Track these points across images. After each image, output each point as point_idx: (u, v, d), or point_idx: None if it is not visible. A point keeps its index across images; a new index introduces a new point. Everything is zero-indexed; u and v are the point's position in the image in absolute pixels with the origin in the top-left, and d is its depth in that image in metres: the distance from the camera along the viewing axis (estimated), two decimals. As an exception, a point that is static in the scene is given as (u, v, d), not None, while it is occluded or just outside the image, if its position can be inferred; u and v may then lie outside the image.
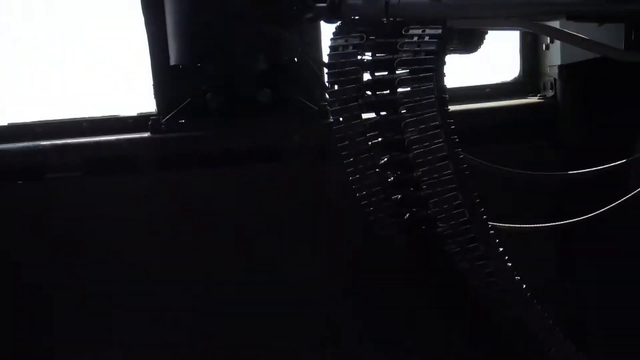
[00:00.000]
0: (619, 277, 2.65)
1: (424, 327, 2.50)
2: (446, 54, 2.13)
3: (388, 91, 2.15)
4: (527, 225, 2.39)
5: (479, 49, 2.35)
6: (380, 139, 2.18)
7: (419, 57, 2.06)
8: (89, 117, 2.74)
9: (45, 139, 2.62)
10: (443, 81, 2.10)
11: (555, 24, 2.14)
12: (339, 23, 2.18)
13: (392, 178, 2.19)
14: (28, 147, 2.58)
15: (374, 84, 2.17)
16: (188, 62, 2.54)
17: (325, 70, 2.22)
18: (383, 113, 2.16)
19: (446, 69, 2.14)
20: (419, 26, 2.06)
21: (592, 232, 2.58)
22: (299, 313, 2.58)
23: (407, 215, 2.17)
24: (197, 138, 2.57)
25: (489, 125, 2.64)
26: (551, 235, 2.63)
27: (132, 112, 2.77)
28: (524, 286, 2.13)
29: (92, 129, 2.68)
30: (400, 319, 2.55)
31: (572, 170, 2.44)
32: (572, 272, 2.65)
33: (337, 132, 2.18)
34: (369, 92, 2.18)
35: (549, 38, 2.69)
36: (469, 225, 2.02)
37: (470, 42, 2.30)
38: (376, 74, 2.17)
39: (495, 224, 2.20)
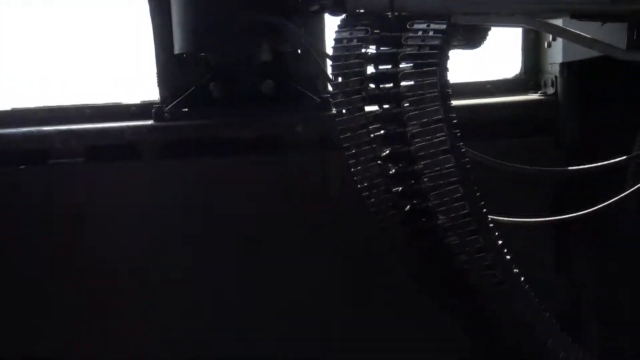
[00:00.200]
0: (615, 272, 2.68)
1: (423, 320, 2.53)
2: (450, 49, 2.17)
3: (391, 84, 2.18)
4: (525, 219, 2.42)
5: (482, 45, 2.38)
6: (382, 132, 2.21)
7: (423, 52, 2.09)
8: (92, 104, 2.75)
9: (48, 124, 2.64)
10: (446, 76, 2.12)
11: (559, 22, 2.17)
12: (343, 16, 2.20)
13: (393, 170, 2.22)
14: (31, 132, 2.60)
15: (378, 77, 2.19)
16: (192, 51, 2.56)
17: (329, 62, 2.27)
18: (386, 106, 2.20)
19: (449, 64, 2.20)
20: (423, 21, 2.08)
21: (589, 228, 2.62)
22: (299, 301, 2.60)
23: (408, 207, 2.21)
24: (200, 127, 2.59)
25: (490, 120, 2.66)
26: (549, 230, 2.66)
27: (135, 100, 2.81)
28: (522, 279, 2.16)
29: (95, 116, 2.70)
30: (400, 311, 2.57)
31: (571, 167, 2.48)
32: (568, 267, 2.68)
33: (339, 123, 2.21)
34: (372, 85, 2.22)
35: (551, 36, 2.71)
36: (469, 218, 2.04)
37: (473, 38, 2.33)
38: (380, 67, 2.21)
39: (495, 217, 2.24)
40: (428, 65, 2.07)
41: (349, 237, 2.59)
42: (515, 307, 2.12)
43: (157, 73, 2.64)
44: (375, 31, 2.18)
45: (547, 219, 2.50)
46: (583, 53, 2.45)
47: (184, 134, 2.60)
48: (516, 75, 2.86)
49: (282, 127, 2.60)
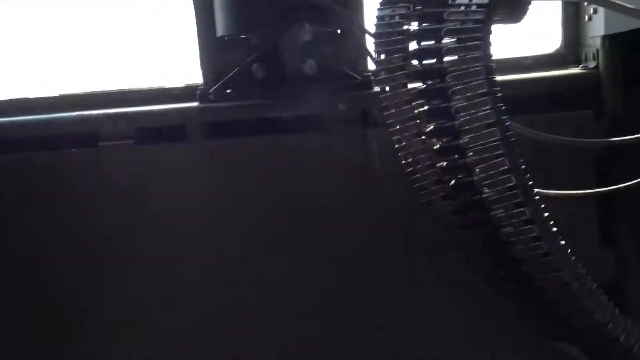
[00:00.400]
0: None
1: (469, 291, 2.55)
2: (492, 24, 2.18)
3: (434, 60, 2.21)
4: (569, 192, 2.43)
5: (522, 20, 2.39)
6: (426, 107, 2.24)
7: (467, 26, 2.11)
8: (136, 89, 2.83)
9: (95, 108, 2.72)
10: (489, 50, 2.15)
11: (601, -8, 2.17)
12: (385, -7, 2.23)
13: (437, 145, 2.25)
14: (81, 116, 2.67)
15: (420, 53, 2.21)
16: (234, 33, 2.61)
17: (372, 40, 2.29)
18: (429, 82, 2.22)
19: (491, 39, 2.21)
20: (465, -4, 2.11)
21: (633, 200, 2.62)
22: (345, 272, 2.65)
23: (452, 181, 2.24)
24: (244, 107, 2.63)
25: (530, 95, 2.66)
26: (593, 204, 2.66)
27: (178, 84, 2.86)
28: (569, 250, 2.18)
29: (140, 100, 2.77)
30: (454, 280, 2.60)
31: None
32: (613, 241, 2.68)
33: (383, 100, 2.25)
34: (415, 62, 2.25)
35: (592, 9, 2.70)
36: (515, 191, 2.07)
37: (514, 13, 2.33)
38: (422, 43, 2.23)
39: (539, 190, 2.26)
40: (471, 39, 2.09)
41: (392, 213, 2.62)
42: (562, 278, 2.15)
43: (199, 56, 2.69)
44: (417, 7, 2.21)
45: (591, 190, 2.52)
46: (625, 25, 2.44)
47: (228, 115, 2.65)
48: (556, 50, 2.86)
49: (324, 105, 2.63)
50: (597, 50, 2.68)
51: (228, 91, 2.65)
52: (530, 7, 2.33)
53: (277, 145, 2.66)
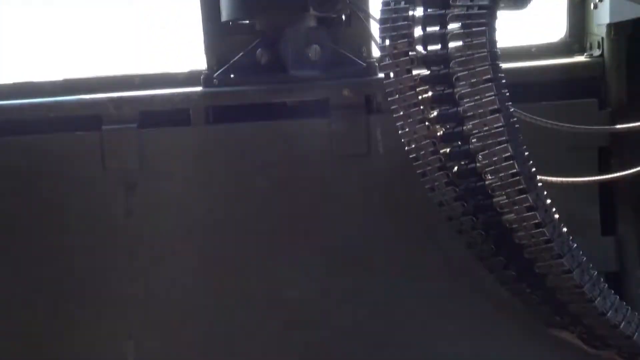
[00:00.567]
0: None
1: (473, 277, 2.57)
2: (498, 10, 2.18)
3: (439, 46, 2.21)
4: (572, 179, 2.44)
5: (528, 6, 2.38)
6: (430, 93, 2.24)
7: (472, 12, 2.10)
8: (140, 73, 2.82)
9: (99, 92, 2.72)
10: (495, 36, 2.15)
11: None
12: (391, -22, 2.23)
13: (441, 132, 2.25)
14: (84, 100, 2.67)
15: (426, 38, 2.21)
16: (239, 18, 2.61)
17: (376, 26, 2.29)
18: (434, 68, 2.22)
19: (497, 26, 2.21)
20: (471, -18, 2.11)
21: (635, 188, 2.62)
22: (347, 258, 2.66)
23: (455, 168, 2.24)
24: (249, 92, 2.63)
25: (535, 83, 2.65)
26: (595, 193, 2.66)
27: (182, 69, 2.86)
28: (570, 238, 2.19)
29: (144, 85, 2.77)
30: (457, 267, 2.61)
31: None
32: (614, 229, 2.69)
33: (387, 86, 2.24)
34: (420, 47, 2.25)
35: (599, -5, 2.69)
36: (518, 177, 2.07)
37: (519, -1, 2.34)
38: (428, 29, 2.23)
39: (542, 177, 2.26)
40: (477, 25, 2.08)
41: (395, 199, 2.63)
42: (563, 265, 2.15)
43: (204, 41, 2.69)
44: (423, -7, 2.23)
45: (593, 178, 2.52)
46: (631, 12, 2.44)
47: (232, 100, 2.65)
48: (561, 38, 2.85)
49: (328, 91, 2.63)
50: (602, 39, 2.67)
51: (232, 76, 2.65)
52: (535, -6, 2.33)
53: (280, 131, 2.66)
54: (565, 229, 2.19)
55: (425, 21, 2.20)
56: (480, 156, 2.11)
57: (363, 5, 2.63)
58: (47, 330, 2.71)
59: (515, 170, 2.07)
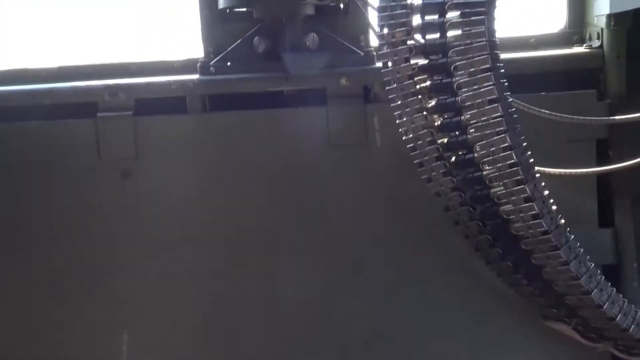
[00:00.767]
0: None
1: (470, 268, 2.57)
2: (497, -1, 2.16)
3: (438, 35, 2.19)
4: (569, 170, 2.43)
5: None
6: (428, 83, 2.23)
7: (471, 1, 2.09)
8: (137, 61, 2.80)
9: (95, 80, 2.70)
10: (493, 25, 2.14)
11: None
12: (390, -34, 2.21)
13: (439, 122, 2.24)
14: (80, 87, 2.65)
15: (424, 27, 2.20)
16: (236, 6, 2.58)
17: (374, 15, 2.27)
18: (432, 57, 2.21)
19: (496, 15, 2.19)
20: (471, -30, 2.09)
21: (633, 181, 2.62)
22: (343, 248, 2.65)
23: (453, 158, 2.23)
24: (246, 80, 2.61)
25: (533, 74, 2.63)
26: (593, 183, 2.64)
27: (178, 57, 2.84)
28: (568, 229, 2.18)
29: (140, 72, 2.75)
30: (455, 258, 2.60)
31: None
32: (611, 221, 2.68)
33: (385, 75, 2.23)
34: (418, 36, 2.23)
35: (598, -13, 2.67)
36: (516, 168, 2.07)
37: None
38: (426, 17, 2.21)
39: (540, 168, 2.25)
40: (476, 14, 2.08)
41: (391, 189, 2.61)
42: (560, 257, 2.15)
43: (201, 28, 2.66)
44: (422, -18, 2.20)
45: (591, 169, 2.51)
46: (631, 3, 2.42)
47: (229, 88, 2.63)
48: (561, 29, 2.83)
49: (325, 80, 2.61)
50: (602, 30, 2.65)
51: (229, 64, 2.63)
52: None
53: (277, 120, 2.64)
54: (562, 221, 2.19)
55: (423, 10, 2.19)
56: (478, 146, 2.11)
57: (361, -5, 2.62)
58: (40, 320, 2.70)
59: (513, 161, 2.06)
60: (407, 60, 2.19)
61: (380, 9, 2.20)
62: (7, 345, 2.70)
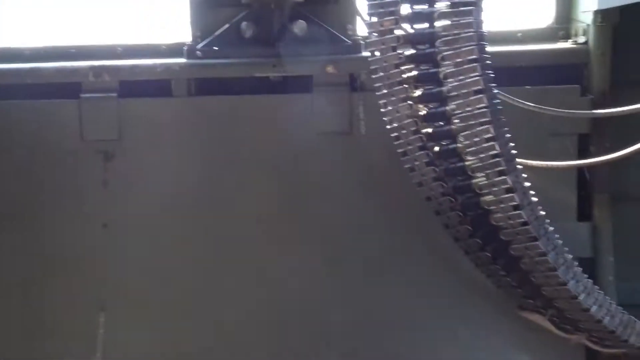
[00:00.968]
0: (634, 219, 2.75)
1: (448, 258, 2.60)
2: (485, -10, 2.18)
3: (426, 24, 2.20)
4: (551, 162, 2.47)
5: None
6: (414, 72, 2.23)
7: (460, -9, 2.11)
8: (123, 43, 2.78)
9: (80, 60, 2.68)
10: (481, 17, 2.15)
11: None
12: (379, -44, 2.21)
13: (424, 112, 2.25)
14: (64, 67, 2.63)
15: (413, 17, 2.20)
16: None
17: (366, 2, 2.28)
18: (420, 47, 2.22)
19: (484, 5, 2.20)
20: (459, -40, 2.10)
21: (611, 176, 2.67)
22: (333, 237, 2.66)
23: (437, 148, 2.25)
24: (232, 65, 2.61)
25: (519, 68, 2.66)
26: (574, 178, 2.69)
27: (166, 40, 2.82)
28: (547, 221, 2.21)
29: (126, 55, 2.73)
30: (439, 246, 2.62)
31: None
32: (589, 215, 2.73)
33: (372, 64, 2.24)
34: (406, 25, 2.24)
35: (585, -16, 2.70)
36: (498, 159, 2.09)
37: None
38: (415, 7, 2.22)
39: (521, 160, 2.28)
40: (464, 4, 2.09)
41: (376, 177, 2.62)
42: (538, 248, 2.17)
43: (189, 12, 2.65)
44: (411, -29, 2.21)
45: (572, 162, 2.56)
46: (617, 0, 2.45)
47: (215, 73, 2.63)
48: (548, 25, 2.86)
49: (312, 67, 2.62)
50: (588, 26, 2.68)
51: (216, 48, 2.63)
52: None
53: (263, 105, 2.65)
54: (542, 212, 2.22)
55: (412, -1, 2.21)
56: (461, 137, 2.12)
57: (349, -17, 2.62)
58: (18, 300, 2.68)
59: (495, 152, 2.08)
60: (395, 49, 2.19)
61: (370, -2, 2.22)
62: None
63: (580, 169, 2.67)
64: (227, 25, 2.62)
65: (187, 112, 2.65)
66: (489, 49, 2.21)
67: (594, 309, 2.30)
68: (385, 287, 2.68)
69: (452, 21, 2.07)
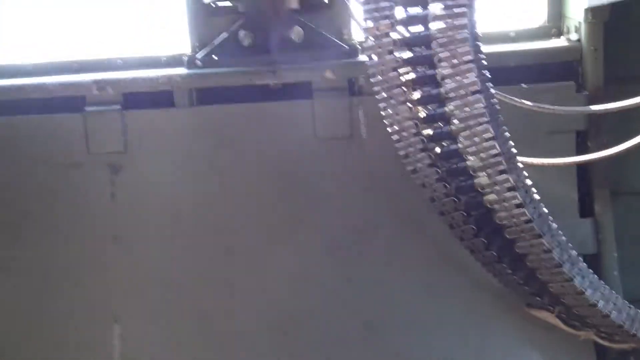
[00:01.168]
0: (635, 213, 2.76)
1: (453, 258, 2.61)
2: (479, -9, 2.20)
3: (421, 27, 2.23)
4: (550, 160, 2.48)
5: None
6: (412, 75, 2.25)
7: (454, -7, 2.14)
8: (123, 56, 2.80)
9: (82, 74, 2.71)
10: (475, 17, 2.17)
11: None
12: (372, -40, 2.24)
13: (423, 113, 2.27)
14: (68, 81, 2.66)
15: (408, 20, 2.23)
16: None
17: (361, 7, 2.30)
18: (416, 49, 2.24)
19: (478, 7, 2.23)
20: (452, -38, 2.12)
21: (611, 171, 2.68)
22: (330, 239, 2.68)
23: (437, 149, 2.26)
24: (232, 74, 2.64)
25: (513, 67, 2.68)
26: (573, 174, 2.70)
27: (164, 51, 2.84)
28: (550, 217, 2.22)
29: (127, 67, 2.76)
30: (441, 250, 2.65)
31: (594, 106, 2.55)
32: (591, 210, 2.74)
33: (370, 67, 2.26)
34: (402, 28, 2.26)
35: (577, -18, 2.73)
36: (499, 158, 2.10)
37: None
38: (409, 10, 2.25)
39: (522, 158, 2.29)
40: (458, 6, 2.11)
41: (377, 181, 2.64)
42: (543, 245, 2.19)
43: (188, 22, 2.68)
44: (405, -25, 2.24)
45: (571, 159, 2.58)
46: (610, -3, 2.48)
47: (215, 81, 2.65)
48: (540, 24, 2.88)
49: (311, 73, 2.65)
50: (580, 23, 2.71)
51: (215, 57, 2.66)
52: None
53: (264, 112, 2.67)
54: (545, 209, 2.23)
55: (407, 2, 2.22)
56: (461, 137, 2.14)
57: (345, -12, 2.65)
58: (31, 315, 2.70)
59: (496, 151, 2.10)
60: (391, 52, 2.22)
61: (365, 2, 2.22)
62: None
63: (579, 165, 2.69)
64: (225, 34, 2.66)
65: (190, 122, 2.67)
66: (483, 49, 2.24)
67: (600, 304, 2.31)
68: (391, 289, 2.69)
69: (446, 23, 2.09)
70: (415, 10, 2.21)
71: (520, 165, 2.21)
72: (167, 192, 2.67)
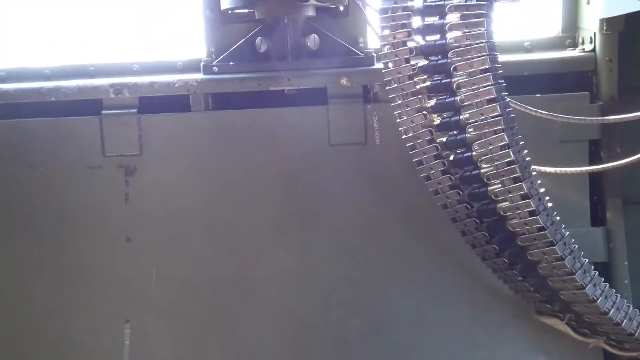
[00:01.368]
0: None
1: (465, 265, 2.63)
2: (495, 1, 2.23)
3: (438, 36, 2.26)
4: (563, 169, 2.50)
5: (523, -1, 2.43)
6: (428, 83, 2.29)
7: (470, 3, 2.16)
8: (140, 61, 2.84)
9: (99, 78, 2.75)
10: (492, 27, 2.20)
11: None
12: (391, -31, 2.27)
13: (438, 121, 2.30)
14: (85, 85, 2.70)
15: (425, 29, 2.27)
16: (239, 7, 2.63)
17: (375, 15, 2.33)
18: (432, 58, 2.27)
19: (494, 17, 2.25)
20: (470, -27, 2.15)
21: (623, 181, 2.70)
22: (342, 246, 2.70)
23: (451, 156, 2.29)
24: (248, 80, 2.66)
25: (529, 75, 2.70)
26: (586, 183, 2.72)
27: (180, 57, 2.87)
28: (563, 226, 2.24)
29: (143, 72, 2.80)
30: (451, 255, 2.66)
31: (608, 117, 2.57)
32: (603, 219, 2.76)
33: (386, 75, 2.30)
34: (419, 37, 2.29)
35: (592, -7, 2.75)
36: (513, 166, 2.13)
37: (516, -8, 2.39)
38: (427, 19, 2.28)
39: (535, 166, 2.32)
40: (475, 16, 2.15)
41: (392, 187, 2.66)
42: (556, 252, 2.21)
43: (204, 28, 2.72)
44: (422, -16, 2.26)
45: (584, 168, 2.60)
46: (624, 7, 2.49)
47: (231, 87, 2.68)
48: (555, 34, 2.90)
49: (326, 80, 2.67)
50: (594, 34, 2.73)
51: (231, 63, 2.69)
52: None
53: (278, 118, 2.70)
54: (558, 217, 2.25)
55: (424, 12, 2.26)
56: (476, 145, 2.17)
57: (361, -3, 2.68)
58: (45, 314, 2.73)
59: (510, 159, 2.12)
60: (408, 60, 2.26)
61: (382, 11, 2.27)
62: (10, 340, 2.74)
63: (592, 174, 2.71)
64: (242, 41, 2.69)
65: (205, 126, 2.70)
66: (499, 58, 2.27)
67: (612, 312, 2.32)
68: (403, 294, 2.71)
69: (463, 32, 2.13)
70: (432, 19, 2.26)
71: (534, 173, 2.23)
72: (180, 194, 2.70)
